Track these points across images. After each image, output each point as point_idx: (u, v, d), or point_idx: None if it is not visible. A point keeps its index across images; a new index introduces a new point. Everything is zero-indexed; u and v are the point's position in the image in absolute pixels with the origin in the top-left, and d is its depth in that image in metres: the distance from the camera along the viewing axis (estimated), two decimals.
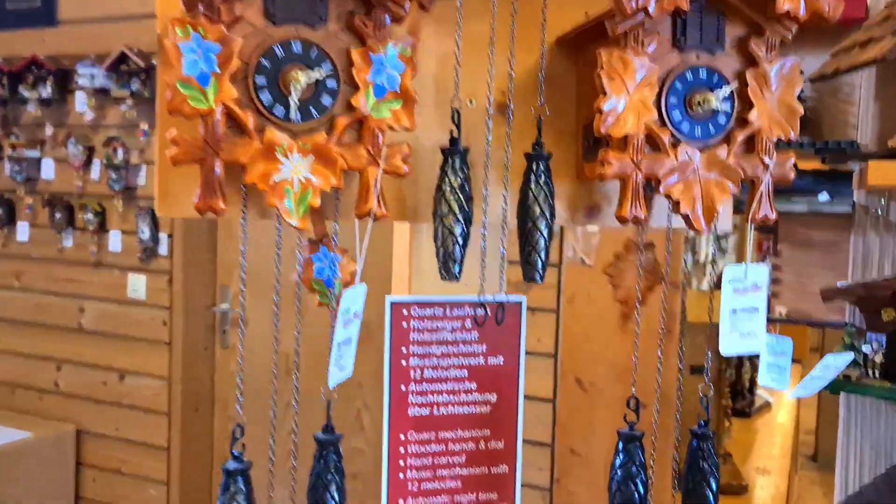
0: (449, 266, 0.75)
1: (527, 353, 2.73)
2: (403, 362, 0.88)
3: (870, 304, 0.96)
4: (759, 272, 0.78)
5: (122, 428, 3.04)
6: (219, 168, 0.66)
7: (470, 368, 0.89)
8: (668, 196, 0.75)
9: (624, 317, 2.30)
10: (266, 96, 0.68)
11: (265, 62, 0.68)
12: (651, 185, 0.75)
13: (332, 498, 0.75)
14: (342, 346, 0.75)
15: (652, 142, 0.75)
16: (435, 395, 0.89)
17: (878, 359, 0.97)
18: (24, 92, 3.03)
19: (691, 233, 0.80)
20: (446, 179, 0.74)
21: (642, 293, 0.97)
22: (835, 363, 0.94)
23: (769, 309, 1.09)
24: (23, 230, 3.18)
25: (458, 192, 0.73)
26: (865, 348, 0.97)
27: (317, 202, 0.69)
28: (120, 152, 2.92)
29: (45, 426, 3.06)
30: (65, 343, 3.14)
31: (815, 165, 1.09)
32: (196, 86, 0.65)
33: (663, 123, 0.75)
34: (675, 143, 0.75)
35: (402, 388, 0.88)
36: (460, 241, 0.74)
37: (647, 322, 0.83)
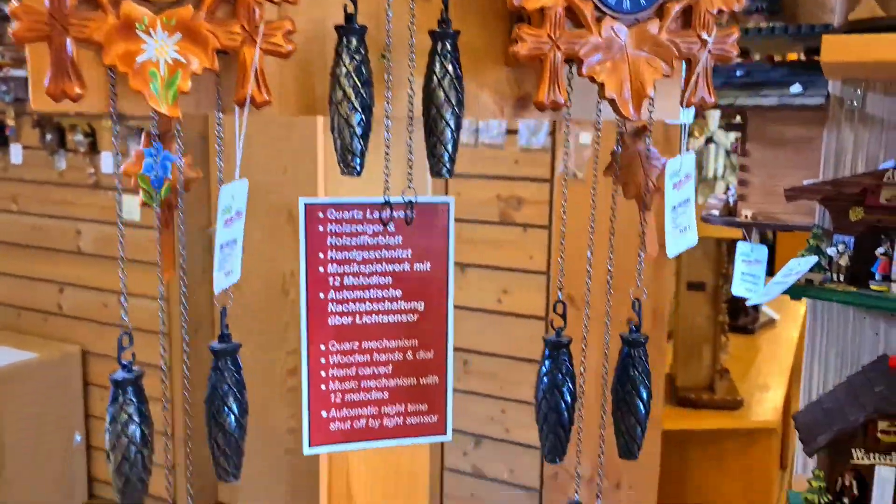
0: (348, 159, 0.67)
1: (519, 270, 2.66)
2: (321, 269, 0.82)
3: (837, 203, 0.87)
4: (688, 161, 0.70)
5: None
6: (71, 47, 0.59)
7: (394, 275, 0.83)
8: (591, 78, 0.66)
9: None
10: None
11: None
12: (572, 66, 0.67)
13: (231, 410, 0.70)
14: (225, 247, 0.69)
15: (573, 16, 0.66)
16: (357, 303, 0.83)
17: (844, 262, 0.89)
18: (5, 7, 2.94)
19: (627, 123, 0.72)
20: (340, 62, 0.66)
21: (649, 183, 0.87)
22: (797, 267, 0.86)
23: (736, 213, 1.01)
24: (16, 152, 3.15)
25: (354, 76, 0.65)
26: (831, 251, 0.88)
27: (186, 86, 0.62)
28: None
29: (50, 347, 3.10)
30: (65, 265, 3.16)
31: (791, 56, 0.99)
32: None
33: None
34: (600, 18, 0.66)
35: (321, 296, 0.82)
36: (358, 132, 0.66)
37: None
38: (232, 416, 0.71)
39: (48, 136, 3.01)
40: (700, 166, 2.94)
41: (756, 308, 2.82)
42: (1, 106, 3.10)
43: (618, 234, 0.80)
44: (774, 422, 2.21)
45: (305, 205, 0.80)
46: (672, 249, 0.77)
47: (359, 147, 0.67)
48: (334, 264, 0.82)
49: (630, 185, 0.89)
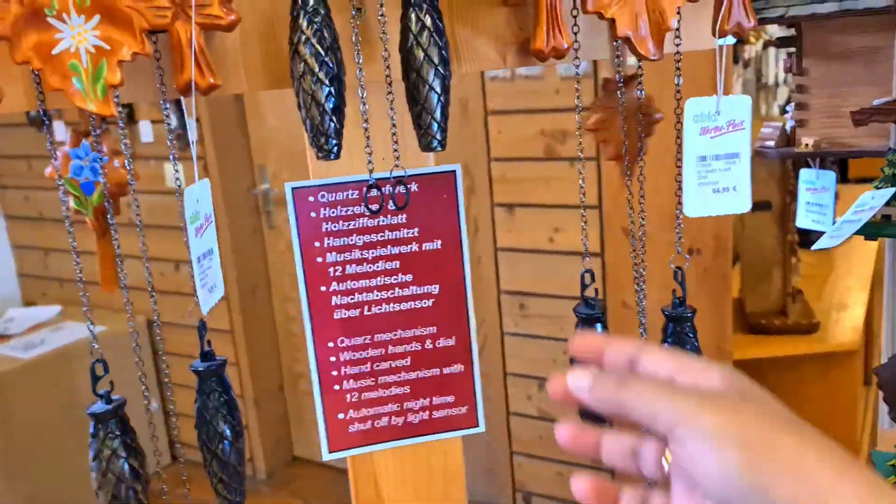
0: (321, 142, 0.57)
1: (569, 206, 2.50)
2: (319, 259, 0.73)
3: None
4: (735, 103, 0.57)
5: (187, 314, 3.11)
6: None
7: (402, 258, 0.74)
8: (598, 14, 0.54)
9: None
10: None
11: None
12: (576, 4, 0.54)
13: (223, 436, 0.63)
14: (203, 259, 0.61)
15: None
16: (363, 293, 0.74)
17: None
18: None
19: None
20: (297, 28, 0.55)
21: (635, 143, 0.78)
22: (871, 201, 0.72)
23: (794, 142, 0.87)
24: (60, 128, 3.15)
25: (315, 42, 0.55)
26: None
27: (116, 77, 0.52)
28: None
29: (117, 319, 3.16)
30: (121, 237, 3.18)
31: None
32: None
33: None
34: None
35: (323, 289, 0.74)
36: (328, 107, 0.56)
37: None
38: (226, 442, 0.64)
39: None
40: (759, 75, 2.70)
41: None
42: None
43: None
44: (855, 342, 2.06)
45: (293, 189, 0.71)
46: (692, 210, 0.65)
47: (331, 125, 0.57)
48: (333, 252, 0.73)
49: (611, 144, 0.77)
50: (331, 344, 0.74)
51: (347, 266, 0.73)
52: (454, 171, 0.71)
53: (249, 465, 3.14)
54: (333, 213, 0.72)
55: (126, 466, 0.61)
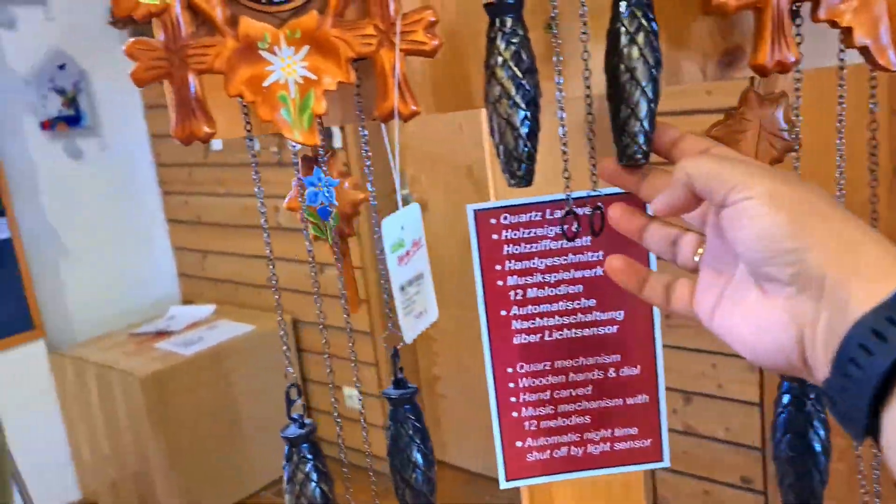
0: (514, 168, 0.55)
1: None
2: (500, 282, 0.71)
3: None
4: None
5: (331, 316, 3.21)
6: (193, 82, 0.52)
7: (585, 282, 0.70)
8: (832, 23, 0.48)
9: None
10: None
11: None
12: (798, 12, 0.49)
13: (416, 465, 0.63)
14: (409, 287, 0.60)
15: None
16: (544, 317, 0.71)
17: None
18: None
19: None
20: (494, 51, 0.53)
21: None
22: None
23: None
24: (216, 143, 3.35)
25: (512, 64, 0.52)
26: None
27: (321, 107, 0.53)
28: None
29: (266, 318, 3.32)
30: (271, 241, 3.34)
31: None
32: None
33: None
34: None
35: (503, 312, 0.72)
36: (523, 132, 0.54)
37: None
38: (419, 472, 0.63)
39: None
40: None
41: None
42: None
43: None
44: None
45: (475, 211, 0.69)
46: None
47: (525, 150, 0.55)
48: (514, 276, 0.71)
49: None
50: (510, 369, 0.72)
51: (528, 290, 0.71)
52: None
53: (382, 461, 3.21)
54: (515, 235, 0.70)
55: (318, 491, 0.62)
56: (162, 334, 3.23)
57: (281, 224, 3.25)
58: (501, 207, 0.69)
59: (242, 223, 3.41)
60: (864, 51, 0.49)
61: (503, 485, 0.74)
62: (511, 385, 0.72)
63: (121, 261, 3.49)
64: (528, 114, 0.53)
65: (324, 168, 0.62)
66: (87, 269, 3.36)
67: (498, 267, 0.70)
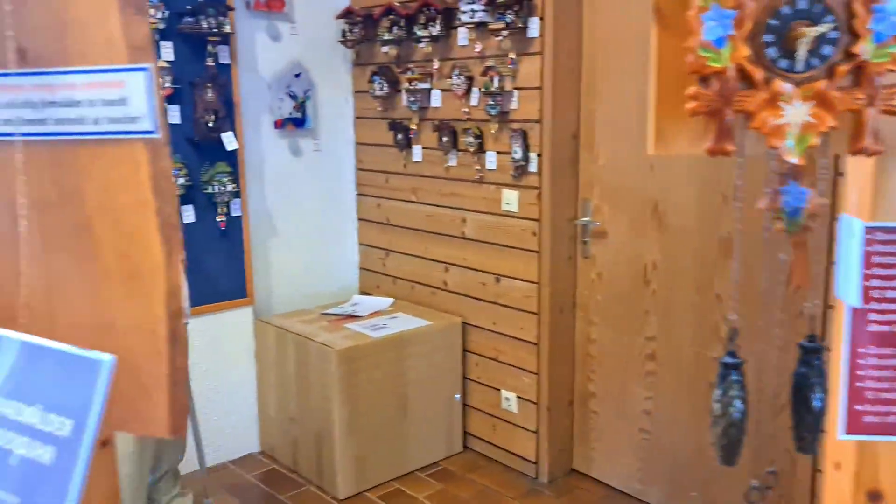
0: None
1: None
2: (864, 283, 0.96)
3: None
4: None
5: (499, 323, 3.50)
6: (730, 117, 0.80)
7: None
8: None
9: None
10: (773, 52, 0.79)
11: (773, 21, 0.78)
12: None
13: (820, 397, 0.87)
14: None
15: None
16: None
17: None
18: (418, 31, 3.49)
19: None
20: None
21: None
22: None
23: None
24: (417, 152, 3.72)
25: None
26: None
27: (816, 142, 0.79)
28: (496, 80, 3.24)
29: (438, 317, 3.65)
30: (451, 248, 3.67)
31: None
32: (713, 49, 0.78)
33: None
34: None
35: (863, 306, 0.96)
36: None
37: None
38: (818, 401, 0.88)
39: (444, 139, 3.52)
40: None
41: None
42: (408, 113, 3.69)
43: None
44: None
45: (865, 228, 0.94)
46: None
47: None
48: (877, 279, 0.95)
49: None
50: (861, 350, 0.96)
51: (887, 291, 0.95)
52: None
53: (534, 467, 3.44)
54: (883, 249, 0.94)
55: (740, 404, 0.88)
56: (350, 317, 3.61)
57: (466, 235, 3.58)
58: (879, 227, 0.94)
59: (427, 229, 3.76)
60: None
61: (840, 436, 0.98)
62: (860, 362, 0.97)
63: (317, 249, 3.92)
64: None
65: (798, 181, 0.88)
66: (290, 252, 3.80)
67: (864, 270, 0.95)
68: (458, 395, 3.66)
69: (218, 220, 3.43)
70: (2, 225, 0.87)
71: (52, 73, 0.83)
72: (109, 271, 0.85)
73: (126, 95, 0.84)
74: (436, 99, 3.57)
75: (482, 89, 3.29)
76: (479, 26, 3.26)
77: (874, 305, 0.95)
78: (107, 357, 0.74)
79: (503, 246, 3.44)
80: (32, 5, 0.83)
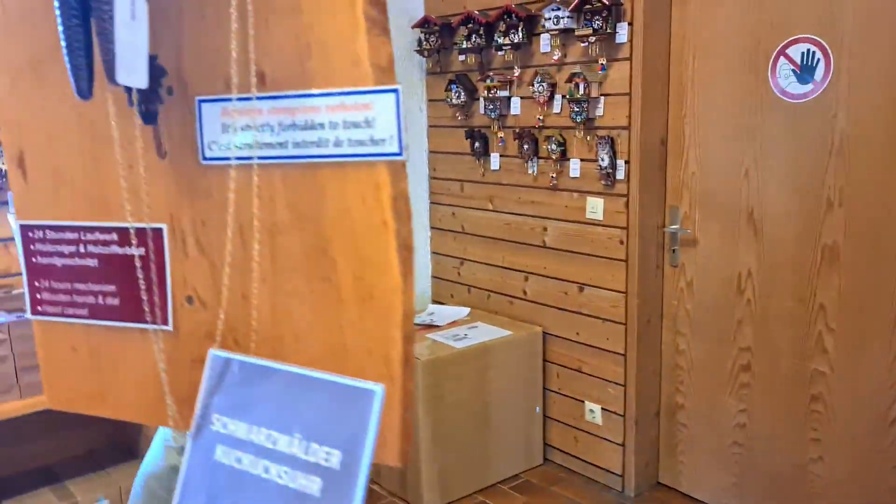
0: None
1: None
2: None
3: None
4: None
5: (582, 333, 3.45)
6: None
7: None
8: None
9: None
10: None
11: None
12: None
13: None
14: None
15: None
16: None
17: None
18: (498, 39, 3.46)
19: None
20: None
21: None
22: None
23: None
24: (495, 160, 3.70)
25: None
26: None
27: None
28: (581, 87, 3.19)
29: (517, 326, 3.61)
30: (530, 257, 3.63)
31: None
32: None
33: None
34: None
35: None
36: None
37: None
38: None
39: (525, 146, 3.49)
40: None
41: None
42: (486, 121, 3.67)
43: None
44: None
45: None
46: None
47: None
48: None
49: None
50: None
51: None
52: None
53: (620, 480, 3.38)
54: None
55: None
56: (429, 326, 3.59)
57: (546, 244, 3.54)
58: None
59: (506, 238, 3.72)
60: None
61: None
62: None
63: None
64: None
65: None
66: None
67: None
68: (538, 408, 3.62)
69: None
70: (236, 248, 0.86)
71: (293, 97, 0.82)
72: (343, 294, 0.83)
73: (373, 117, 0.82)
74: (515, 106, 3.54)
75: (566, 96, 3.25)
76: (563, 33, 3.23)
77: None
78: (378, 387, 0.71)
79: (587, 255, 3.39)
80: (274, 28, 0.81)
